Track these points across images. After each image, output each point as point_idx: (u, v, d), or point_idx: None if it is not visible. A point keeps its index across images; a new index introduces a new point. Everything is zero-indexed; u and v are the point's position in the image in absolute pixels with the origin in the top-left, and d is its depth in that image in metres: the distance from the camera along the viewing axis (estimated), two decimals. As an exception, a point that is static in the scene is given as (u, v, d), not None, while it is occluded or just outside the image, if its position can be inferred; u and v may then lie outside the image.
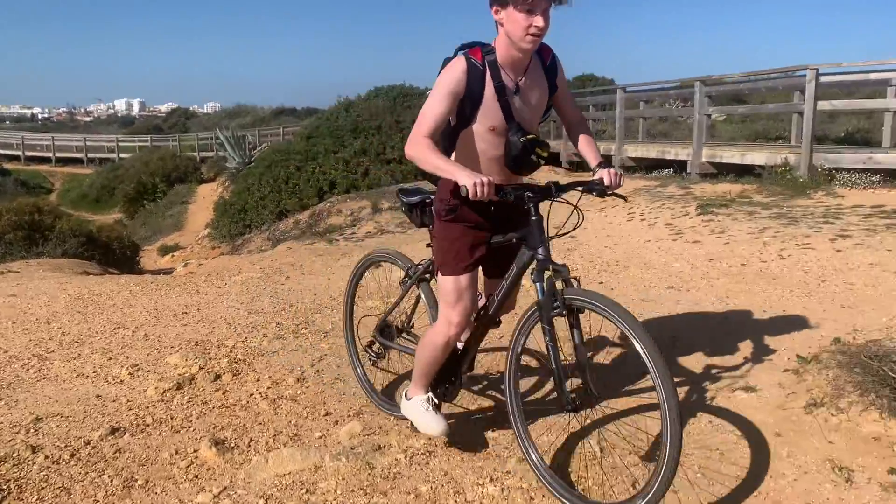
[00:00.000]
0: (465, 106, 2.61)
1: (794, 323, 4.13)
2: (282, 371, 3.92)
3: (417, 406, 3.04)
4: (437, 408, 3.02)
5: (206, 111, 76.85)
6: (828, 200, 8.04)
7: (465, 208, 2.76)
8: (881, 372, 3.15)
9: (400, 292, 3.41)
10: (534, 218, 2.62)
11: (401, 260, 3.41)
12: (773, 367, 3.55)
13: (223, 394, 3.65)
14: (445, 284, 2.82)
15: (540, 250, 2.60)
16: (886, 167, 8.78)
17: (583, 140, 2.93)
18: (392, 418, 3.32)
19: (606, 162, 2.82)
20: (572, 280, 2.55)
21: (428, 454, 2.98)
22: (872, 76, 10.86)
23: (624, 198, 2.85)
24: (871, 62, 10.92)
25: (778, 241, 6.27)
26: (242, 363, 4.04)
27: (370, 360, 3.51)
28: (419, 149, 2.55)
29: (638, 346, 2.31)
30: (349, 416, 3.39)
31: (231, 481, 2.80)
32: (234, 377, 3.84)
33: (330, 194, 13.14)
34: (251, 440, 3.14)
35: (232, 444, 3.09)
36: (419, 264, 3.29)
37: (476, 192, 2.36)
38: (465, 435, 3.16)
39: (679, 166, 12.03)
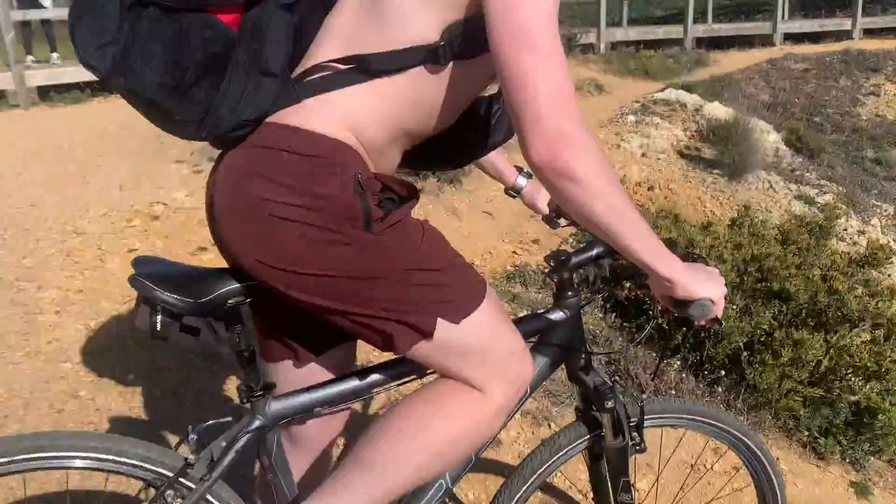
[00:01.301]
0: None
1: None
2: None
3: None
4: None
5: None
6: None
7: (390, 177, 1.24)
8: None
9: None
10: (572, 299, 1.41)
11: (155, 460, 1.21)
12: None
13: None
14: (472, 332, 1.22)
15: (585, 361, 1.43)
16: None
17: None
18: None
19: None
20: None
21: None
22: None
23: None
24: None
25: None
26: None
27: None
28: (606, 174, 1.06)
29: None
30: None
31: None
32: None
33: None
34: None
35: None
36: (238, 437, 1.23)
37: (721, 310, 1.24)
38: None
39: None
